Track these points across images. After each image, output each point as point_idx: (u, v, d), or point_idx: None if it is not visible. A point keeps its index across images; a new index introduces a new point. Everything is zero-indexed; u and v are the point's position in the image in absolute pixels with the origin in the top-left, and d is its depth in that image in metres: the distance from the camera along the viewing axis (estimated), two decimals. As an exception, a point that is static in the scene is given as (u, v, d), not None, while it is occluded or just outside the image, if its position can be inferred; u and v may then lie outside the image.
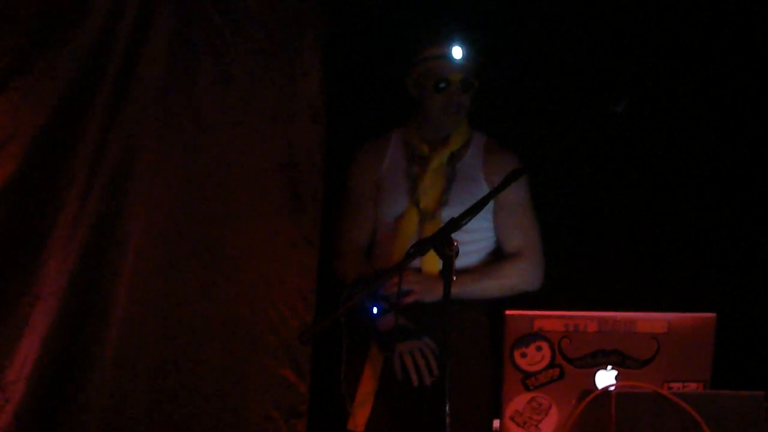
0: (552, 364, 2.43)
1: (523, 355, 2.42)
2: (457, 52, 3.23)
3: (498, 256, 3.31)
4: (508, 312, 2.46)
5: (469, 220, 2.59)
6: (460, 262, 3.02)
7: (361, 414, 3.09)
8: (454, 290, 2.99)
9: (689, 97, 3.79)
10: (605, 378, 2.44)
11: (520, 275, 3.26)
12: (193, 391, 3.11)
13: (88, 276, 2.98)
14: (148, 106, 3.07)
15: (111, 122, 3.02)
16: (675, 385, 2.42)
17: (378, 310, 3.03)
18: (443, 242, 2.47)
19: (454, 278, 2.46)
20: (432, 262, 3.12)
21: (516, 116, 3.73)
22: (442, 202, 3.23)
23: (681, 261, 3.76)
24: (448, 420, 2.35)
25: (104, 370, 2.99)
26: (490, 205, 3.17)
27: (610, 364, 2.44)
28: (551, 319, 2.43)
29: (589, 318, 2.44)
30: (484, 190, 3.21)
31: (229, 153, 3.20)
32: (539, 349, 2.42)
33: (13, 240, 2.92)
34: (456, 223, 2.60)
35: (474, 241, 3.24)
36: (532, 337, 2.42)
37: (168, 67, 3.10)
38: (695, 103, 3.78)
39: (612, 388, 2.36)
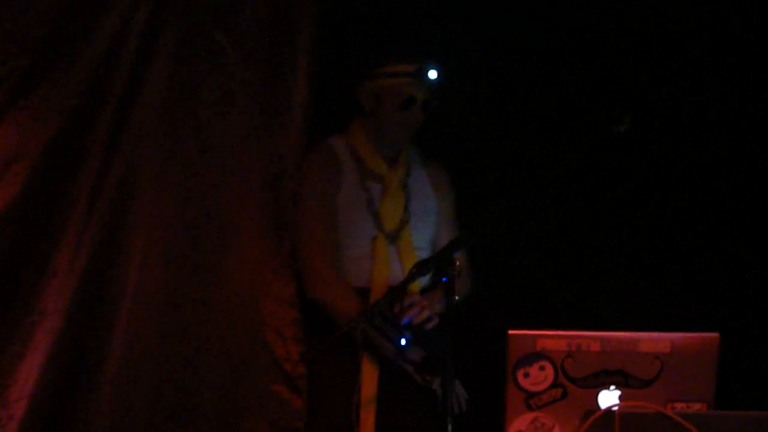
0: (555, 384, 2.41)
1: (526, 375, 2.41)
2: (432, 74, 3.20)
3: None
4: (511, 331, 2.44)
5: (474, 242, 2.61)
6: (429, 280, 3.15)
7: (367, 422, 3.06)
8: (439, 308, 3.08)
9: (689, 115, 3.79)
10: (608, 398, 2.42)
11: (466, 287, 3.27)
12: (192, 410, 3.10)
13: (90, 295, 2.99)
14: (150, 127, 3.08)
15: (114, 142, 3.03)
16: (678, 405, 2.40)
17: (406, 342, 3.01)
18: (446, 262, 2.48)
19: (456, 298, 2.47)
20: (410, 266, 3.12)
21: (515, 139, 3.74)
22: (404, 220, 3.23)
23: (685, 280, 3.75)
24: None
25: (106, 388, 2.99)
26: (435, 216, 3.26)
27: (614, 384, 2.42)
28: (554, 338, 2.41)
29: (592, 338, 2.43)
30: (434, 201, 3.28)
31: (227, 170, 3.20)
32: (542, 368, 2.41)
33: (17, 259, 2.93)
34: (459, 243, 2.61)
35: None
36: (535, 356, 2.40)
37: (171, 87, 3.11)
38: (694, 122, 3.79)
39: (615, 408, 2.34)
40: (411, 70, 3.22)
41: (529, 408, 2.41)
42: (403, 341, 2.99)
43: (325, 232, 3.18)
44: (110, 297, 3.01)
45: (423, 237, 3.27)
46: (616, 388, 2.42)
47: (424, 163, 3.36)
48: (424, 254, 3.22)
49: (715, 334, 2.44)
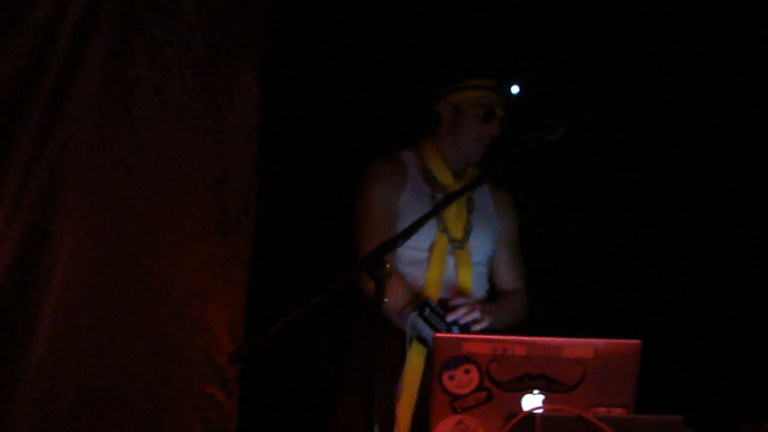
0: (480, 388, 2.42)
1: (452, 378, 2.41)
2: (515, 89, 3.31)
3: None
4: (437, 335, 2.47)
5: (404, 243, 2.62)
6: (480, 293, 3.23)
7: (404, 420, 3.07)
8: (489, 322, 3.14)
9: (610, 122, 3.85)
10: (532, 402, 2.43)
11: (523, 309, 3.36)
12: (119, 409, 3.05)
13: (16, 288, 2.92)
14: (83, 119, 3.02)
15: (46, 133, 2.97)
16: (600, 410, 2.42)
17: None
18: (375, 264, 2.48)
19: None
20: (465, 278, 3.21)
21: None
22: (467, 230, 3.27)
23: (608, 289, 3.81)
24: None
25: (27, 383, 2.92)
26: (494, 237, 3.33)
27: (537, 389, 2.44)
28: (480, 342, 2.42)
29: (517, 342, 2.44)
30: (496, 222, 3.35)
31: (163, 169, 3.16)
32: (467, 372, 2.42)
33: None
34: (391, 244, 2.61)
35: (486, 273, 3.34)
36: (460, 360, 2.41)
37: (106, 80, 3.06)
38: (617, 131, 3.85)
39: (537, 412, 2.37)
40: (494, 85, 3.29)
41: (454, 411, 2.42)
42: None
43: (380, 231, 3.16)
44: (37, 289, 2.95)
45: (480, 252, 3.31)
46: (540, 393, 2.44)
47: (490, 185, 3.41)
48: (481, 269, 3.29)
49: (636, 342, 2.47)
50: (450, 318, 3.09)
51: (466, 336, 2.45)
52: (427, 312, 3.02)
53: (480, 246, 3.30)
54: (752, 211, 3.90)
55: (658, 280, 3.88)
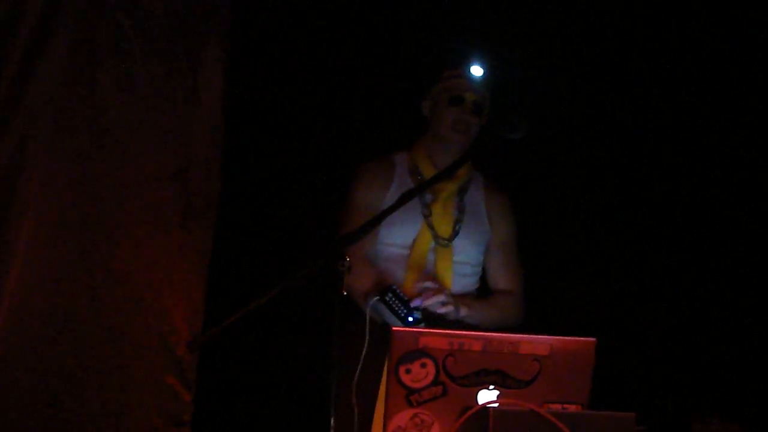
0: (436, 382, 2.42)
1: (408, 371, 2.41)
2: (476, 70, 3.32)
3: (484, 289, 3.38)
4: (394, 328, 2.46)
5: (357, 240, 2.63)
6: (461, 291, 3.21)
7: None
8: (465, 312, 3.15)
9: (579, 130, 3.88)
10: (487, 397, 2.44)
11: (515, 311, 3.35)
12: (76, 396, 3.02)
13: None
14: (44, 107, 2.98)
15: (5, 120, 2.93)
16: (554, 406, 2.44)
17: (414, 319, 3.05)
18: (334, 257, 2.48)
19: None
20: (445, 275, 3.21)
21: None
22: (454, 231, 3.28)
23: (564, 287, 3.84)
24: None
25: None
26: (484, 239, 3.32)
27: (493, 384, 2.45)
28: (437, 336, 2.42)
29: (474, 337, 2.45)
30: (487, 225, 3.34)
31: (125, 158, 3.13)
32: (424, 366, 2.42)
33: None
34: (349, 238, 2.61)
35: (474, 274, 3.34)
36: (417, 353, 2.41)
37: (68, 67, 3.02)
38: (581, 135, 3.88)
39: (491, 406, 2.38)
40: (460, 72, 3.33)
41: (410, 404, 2.42)
42: (410, 318, 3.02)
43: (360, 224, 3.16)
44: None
45: (464, 252, 3.30)
46: (495, 388, 2.45)
47: (486, 188, 3.41)
48: (465, 269, 3.28)
49: (591, 339, 2.49)
50: (415, 303, 3.09)
51: (423, 330, 2.45)
52: (389, 297, 3.02)
53: (464, 246, 3.30)
54: (706, 209, 3.95)
55: (612, 279, 3.91)
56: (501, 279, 3.38)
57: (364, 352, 2.99)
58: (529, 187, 3.86)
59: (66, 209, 3.05)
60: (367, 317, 2.96)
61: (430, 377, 2.42)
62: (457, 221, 3.29)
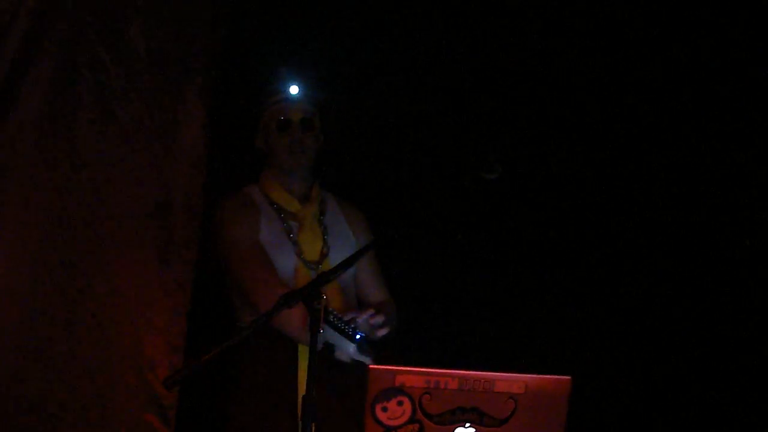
0: (412, 420, 2.41)
1: (384, 409, 2.39)
2: (293, 90, 3.31)
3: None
4: (371, 366, 2.44)
5: (340, 274, 2.61)
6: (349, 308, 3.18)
7: None
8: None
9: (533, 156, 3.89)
10: (463, 435, 2.43)
11: (395, 319, 3.32)
12: (50, 432, 2.97)
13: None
14: (21, 138, 2.93)
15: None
16: (530, 444, 2.43)
17: (361, 337, 3.02)
18: (312, 295, 2.46)
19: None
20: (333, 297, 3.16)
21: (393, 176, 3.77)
22: (324, 253, 3.27)
23: (540, 325, 3.83)
24: None
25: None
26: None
27: (469, 422, 2.43)
28: (413, 375, 2.41)
29: (450, 375, 2.43)
30: (353, 239, 3.34)
31: (105, 191, 3.08)
32: (400, 403, 2.40)
33: None
34: (327, 277, 2.59)
35: (350, 291, 3.33)
36: (393, 391, 2.39)
37: (47, 98, 2.97)
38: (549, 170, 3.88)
39: (467, 445, 2.36)
40: (282, 96, 3.34)
41: (386, 442, 2.40)
42: (358, 336, 3.01)
43: (258, 261, 3.19)
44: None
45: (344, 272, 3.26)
46: (471, 426, 2.44)
47: (341, 204, 3.41)
48: (350, 287, 3.29)
49: (566, 377, 2.48)
50: (357, 322, 3.05)
51: (399, 368, 2.42)
52: (332, 318, 2.98)
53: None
54: (685, 245, 3.96)
55: (588, 316, 3.90)
56: (377, 291, 3.38)
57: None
58: (502, 223, 3.86)
59: (44, 243, 2.99)
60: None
61: (407, 415, 2.41)
62: (325, 243, 3.28)
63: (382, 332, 3.11)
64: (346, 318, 3.03)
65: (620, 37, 3.87)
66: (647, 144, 3.94)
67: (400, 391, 2.40)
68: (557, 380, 2.47)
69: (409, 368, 2.43)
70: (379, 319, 3.10)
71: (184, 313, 3.21)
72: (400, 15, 3.86)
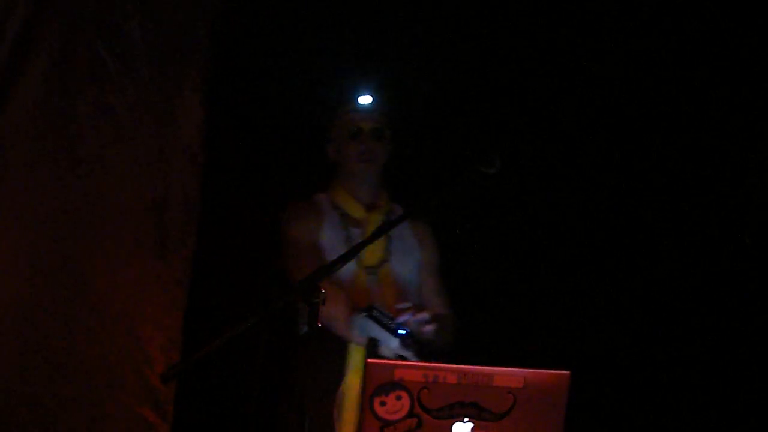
0: (410, 414, 2.38)
1: (383, 404, 2.37)
2: (364, 99, 3.34)
3: None
4: (369, 360, 2.44)
5: (339, 269, 2.59)
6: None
7: None
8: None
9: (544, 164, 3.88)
10: (462, 429, 2.40)
11: (451, 332, 3.30)
12: (46, 427, 2.94)
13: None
14: (21, 133, 2.93)
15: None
16: (528, 439, 2.41)
17: (404, 333, 3.02)
18: (309, 290, 2.44)
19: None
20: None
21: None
22: (384, 257, 3.28)
23: (539, 319, 3.81)
24: None
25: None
26: (416, 266, 3.33)
27: (467, 416, 2.41)
28: (412, 369, 2.39)
29: (449, 370, 2.41)
30: (417, 253, 3.35)
31: (103, 187, 3.08)
32: (399, 398, 2.38)
33: None
34: (326, 271, 2.57)
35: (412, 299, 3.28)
36: (392, 386, 2.37)
37: (46, 94, 2.97)
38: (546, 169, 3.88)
39: (465, 439, 2.34)
40: (353, 106, 3.37)
41: (384, 436, 2.38)
42: (400, 331, 3.00)
43: (307, 259, 3.17)
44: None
45: (400, 277, 3.29)
46: (470, 420, 2.41)
47: (410, 220, 3.40)
48: (407, 296, 3.25)
49: (565, 372, 2.46)
50: (400, 318, 3.05)
51: (398, 362, 2.41)
52: (375, 312, 2.99)
53: (400, 271, 3.30)
54: (681, 243, 3.95)
55: (588, 311, 3.89)
56: (437, 305, 3.35)
57: (343, 388, 2.98)
58: (498, 221, 3.85)
59: (42, 238, 2.99)
60: (354, 342, 2.97)
61: (405, 410, 2.38)
62: (386, 250, 3.29)
63: (429, 329, 3.09)
64: (390, 314, 3.03)
65: (620, 37, 3.86)
66: (641, 140, 3.93)
67: (399, 385, 2.38)
68: (556, 375, 2.45)
69: (407, 362, 2.42)
70: (422, 315, 3.09)
71: (182, 307, 3.20)
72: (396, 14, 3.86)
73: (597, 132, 3.97)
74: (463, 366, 2.46)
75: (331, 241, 3.25)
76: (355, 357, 3.10)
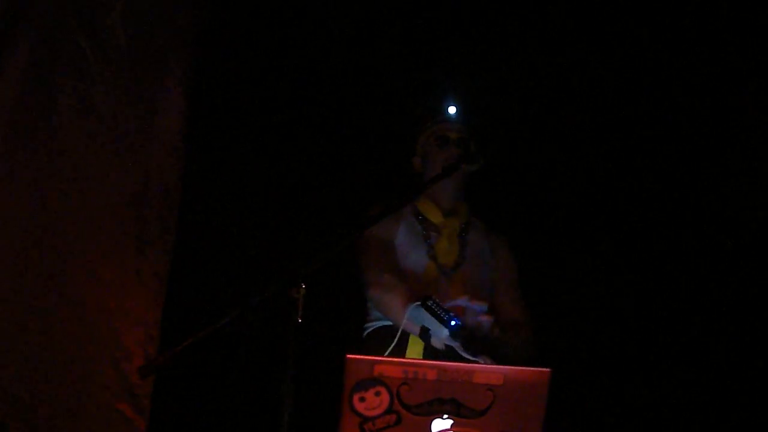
0: (390, 410, 2.37)
1: (362, 400, 2.35)
2: (451, 110, 3.39)
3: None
4: (349, 356, 2.39)
5: (331, 257, 2.58)
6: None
7: None
8: (497, 333, 3.10)
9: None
10: (441, 426, 2.39)
11: (533, 344, 3.27)
12: (24, 422, 2.89)
13: None
14: (0, 123, 2.89)
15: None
16: (508, 436, 2.39)
17: (456, 324, 3.01)
18: (289, 284, 2.41)
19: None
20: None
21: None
22: (458, 261, 3.29)
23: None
24: None
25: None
26: (489, 275, 3.34)
27: (447, 413, 2.40)
28: (391, 365, 2.37)
29: (428, 366, 2.40)
30: (491, 263, 3.36)
31: (82, 179, 3.04)
32: (378, 394, 2.36)
33: None
34: (311, 266, 2.54)
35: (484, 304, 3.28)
36: (371, 382, 2.35)
37: (27, 85, 2.94)
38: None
39: (443, 436, 2.33)
40: (441, 117, 3.42)
41: (363, 432, 2.36)
42: (453, 323, 2.99)
43: (377, 255, 3.24)
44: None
45: (471, 281, 3.29)
46: (449, 417, 2.40)
47: (487, 231, 3.44)
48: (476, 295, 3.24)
49: (546, 369, 2.44)
50: (458, 302, 3.09)
51: (377, 358, 2.39)
52: (431, 303, 2.99)
53: (472, 275, 3.30)
54: (670, 242, 3.95)
55: (568, 309, 3.89)
56: (508, 314, 3.33)
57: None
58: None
59: (19, 231, 2.94)
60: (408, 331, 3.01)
61: (384, 405, 2.37)
62: (461, 255, 3.32)
63: (485, 320, 3.09)
64: (445, 306, 3.03)
65: (619, 37, 3.86)
66: (638, 140, 3.93)
67: (378, 381, 2.36)
68: (537, 372, 2.44)
69: (387, 358, 2.40)
70: (488, 320, 3.09)
71: (160, 302, 3.16)
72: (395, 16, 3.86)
73: (597, 132, 3.96)
74: (443, 362, 2.45)
75: (407, 240, 3.29)
76: (415, 348, 3.10)
